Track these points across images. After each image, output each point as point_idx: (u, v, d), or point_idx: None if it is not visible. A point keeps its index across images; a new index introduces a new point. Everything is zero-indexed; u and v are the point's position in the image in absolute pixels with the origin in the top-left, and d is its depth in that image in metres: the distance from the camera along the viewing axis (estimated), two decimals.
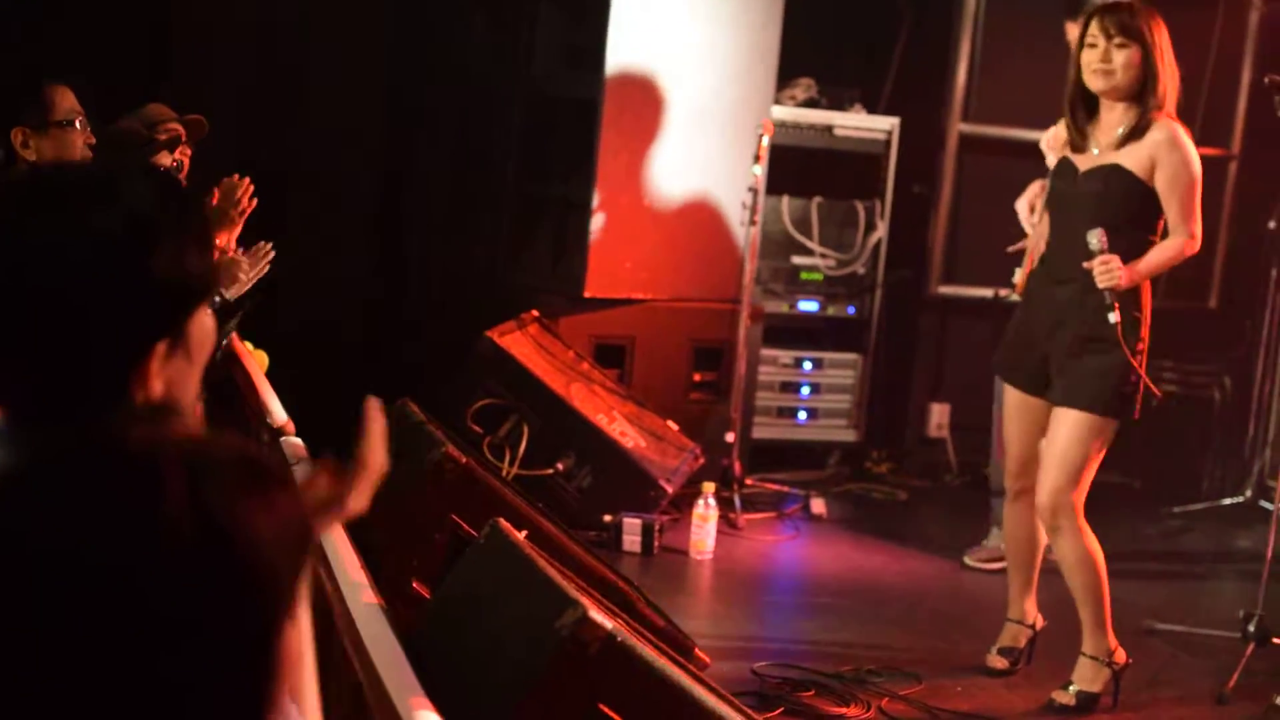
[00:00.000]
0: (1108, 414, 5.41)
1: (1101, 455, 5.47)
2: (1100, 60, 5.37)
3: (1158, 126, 5.35)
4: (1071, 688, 5.53)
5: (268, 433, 4.76)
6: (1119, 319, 5.25)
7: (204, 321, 1.94)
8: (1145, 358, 5.41)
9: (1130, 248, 5.35)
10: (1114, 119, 5.43)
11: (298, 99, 8.35)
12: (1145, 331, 5.41)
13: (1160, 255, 5.36)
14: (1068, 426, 5.43)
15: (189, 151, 5.60)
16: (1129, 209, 5.38)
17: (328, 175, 8.28)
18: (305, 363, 6.73)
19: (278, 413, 4.89)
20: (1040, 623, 5.82)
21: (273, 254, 5.39)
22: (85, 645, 1.32)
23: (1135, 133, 5.37)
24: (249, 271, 5.32)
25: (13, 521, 1.37)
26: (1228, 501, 8.39)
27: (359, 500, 2.64)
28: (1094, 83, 5.40)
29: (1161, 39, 5.38)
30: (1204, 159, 7.08)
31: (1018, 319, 5.77)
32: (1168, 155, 5.34)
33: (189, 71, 7.75)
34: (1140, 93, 5.38)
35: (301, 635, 1.48)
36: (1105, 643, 5.54)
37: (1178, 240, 5.35)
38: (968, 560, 7.14)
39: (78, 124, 4.76)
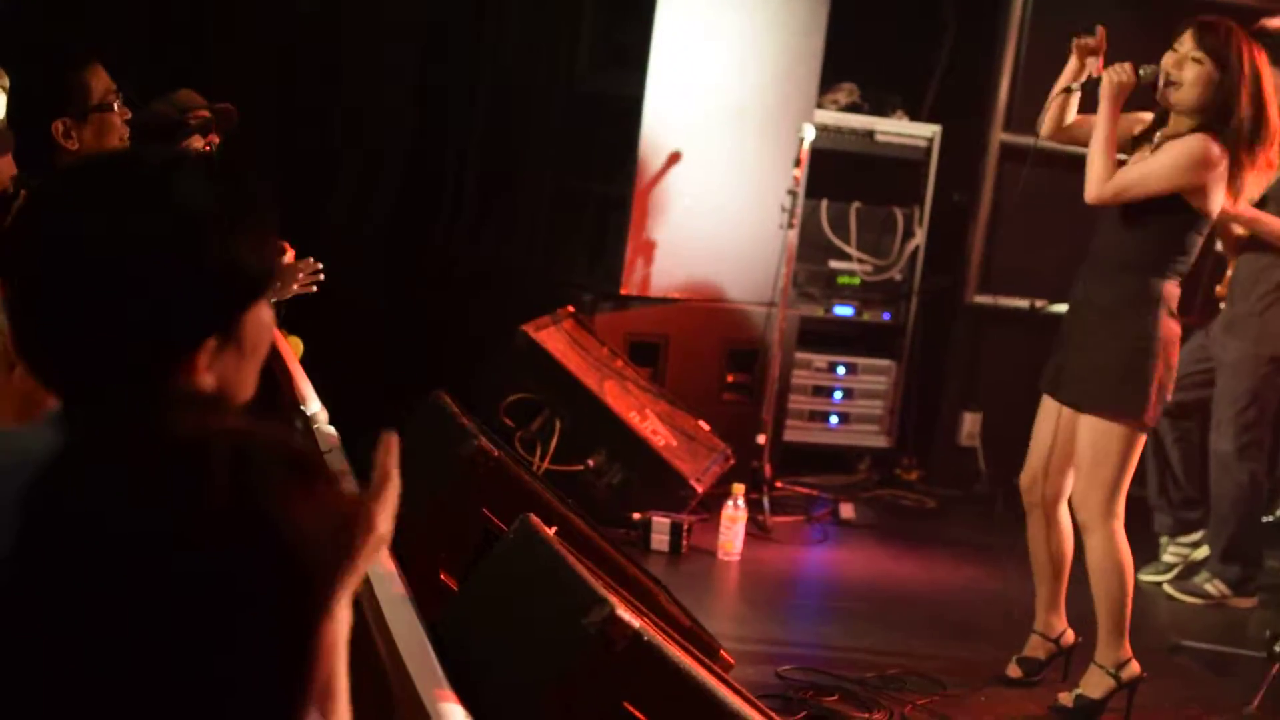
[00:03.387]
0: (1110, 411, 5.36)
1: (1128, 462, 5.41)
2: (1172, 66, 5.29)
3: (1190, 137, 5.25)
4: (1075, 691, 5.54)
5: (301, 420, 4.77)
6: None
7: (261, 317, 1.92)
8: (1150, 361, 5.34)
9: (1151, 252, 5.33)
10: (1173, 127, 5.36)
11: (334, 89, 8.38)
12: (1154, 332, 5.34)
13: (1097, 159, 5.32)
14: (1085, 433, 5.43)
15: (217, 140, 5.57)
16: (1153, 216, 5.31)
17: (365, 165, 8.31)
18: (340, 350, 6.75)
19: (312, 400, 4.90)
20: (1070, 638, 5.78)
21: (321, 276, 5.35)
22: (126, 629, 1.34)
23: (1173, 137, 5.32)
24: (299, 282, 5.32)
25: (59, 505, 1.38)
26: (1265, 519, 8.35)
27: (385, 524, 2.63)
28: (1161, 93, 5.34)
29: (1249, 68, 5.24)
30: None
31: (1060, 329, 5.74)
32: (1173, 142, 5.29)
33: (223, 60, 7.77)
34: (1204, 111, 5.27)
35: (342, 631, 1.48)
36: (1118, 654, 5.51)
37: (1099, 180, 5.31)
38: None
39: (116, 105, 4.59)
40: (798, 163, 7.70)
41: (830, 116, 8.55)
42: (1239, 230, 6.99)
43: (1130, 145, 5.50)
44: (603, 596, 3.43)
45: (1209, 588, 7.12)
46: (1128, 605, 5.49)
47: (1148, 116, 5.52)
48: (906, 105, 8.92)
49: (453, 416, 4.93)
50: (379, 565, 3.59)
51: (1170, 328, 5.38)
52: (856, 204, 8.69)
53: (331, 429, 4.71)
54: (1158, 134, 5.41)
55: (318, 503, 1.43)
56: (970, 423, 9.02)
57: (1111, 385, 5.36)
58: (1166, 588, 7.24)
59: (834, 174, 8.49)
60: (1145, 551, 7.48)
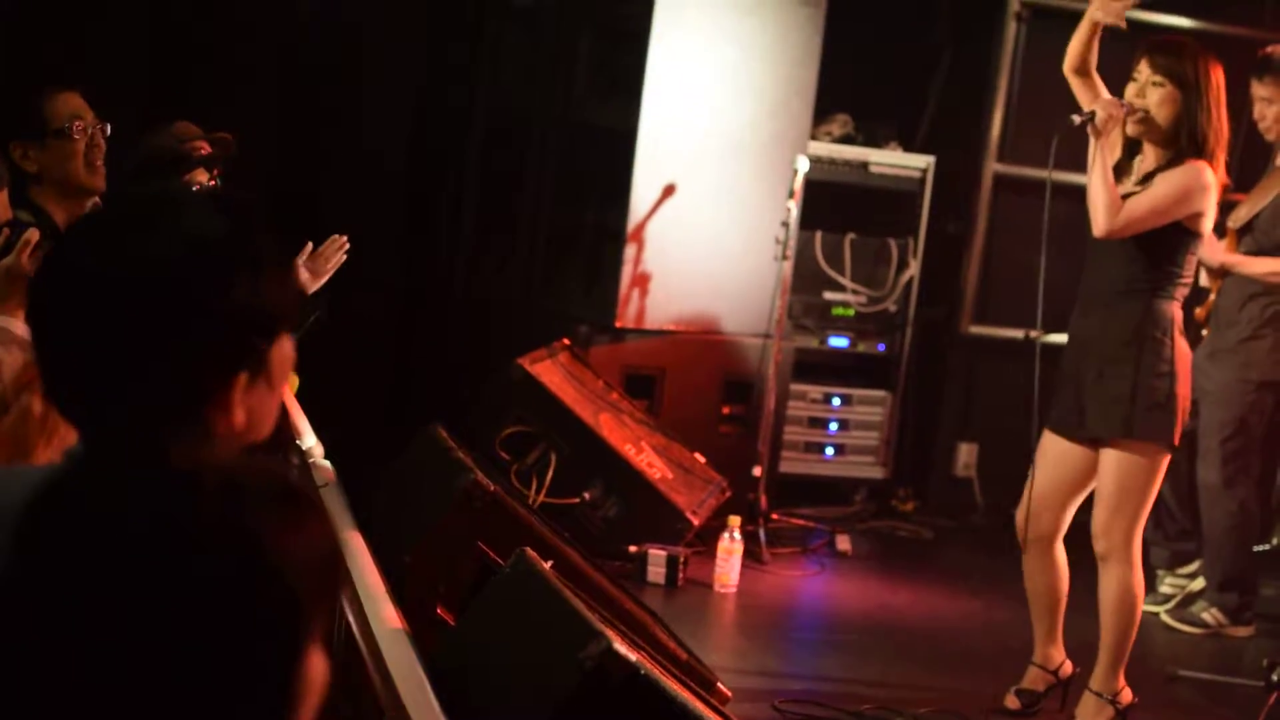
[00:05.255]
0: (1142, 436, 5.36)
1: (1152, 489, 5.43)
2: (1134, 96, 5.35)
3: (1185, 166, 5.30)
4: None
5: (297, 455, 4.77)
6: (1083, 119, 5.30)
7: (285, 349, 1.93)
8: (1174, 385, 5.36)
9: (1155, 278, 5.36)
10: (1151, 158, 5.41)
11: (328, 121, 8.40)
12: (1171, 355, 5.36)
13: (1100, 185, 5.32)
14: (1110, 463, 5.42)
15: (218, 171, 5.58)
16: (1151, 241, 5.35)
17: (358, 197, 8.31)
18: (337, 383, 6.75)
19: (307, 435, 4.90)
20: (1068, 669, 5.77)
21: (347, 244, 5.44)
22: (108, 659, 1.34)
23: (1159, 172, 5.35)
24: (331, 261, 5.41)
25: (47, 531, 1.39)
26: (1255, 549, 8.34)
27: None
28: (1129, 124, 5.38)
29: (1207, 83, 5.30)
30: (1235, 205, 7.11)
31: (1061, 365, 5.74)
32: (1169, 172, 5.32)
33: (218, 92, 7.78)
34: (1175, 135, 5.34)
35: (324, 665, 1.49)
36: (1115, 684, 5.54)
37: (1109, 213, 5.31)
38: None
39: (76, 131, 4.60)
40: (792, 194, 7.71)
41: (824, 148, 8.57)
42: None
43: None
44: (599, 630, 3.43)
45: (1206, 617, 7.12)
46: (1133, 636, 5.52)
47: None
48: (900, 136, 8.93)
49: (448, 450, 4.94)
50: (375, 599, 3.59)
51: (1184, 349, 5.43)
52: (851, 235, 8.70)
53: (327, 463, 4.71)
54: (1134, 162, 5.47)
55: (305, 535, 1.45)
56: (966, 453, 9.02)
57: (1140, 412, 5.36)
58: (1164, 617, 7.23)
59: (828, 205, 8.50)
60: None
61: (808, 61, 8.07)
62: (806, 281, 8.57)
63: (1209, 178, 5.27)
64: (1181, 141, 5.32)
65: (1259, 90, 6.89)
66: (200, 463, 1.44)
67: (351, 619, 3.52)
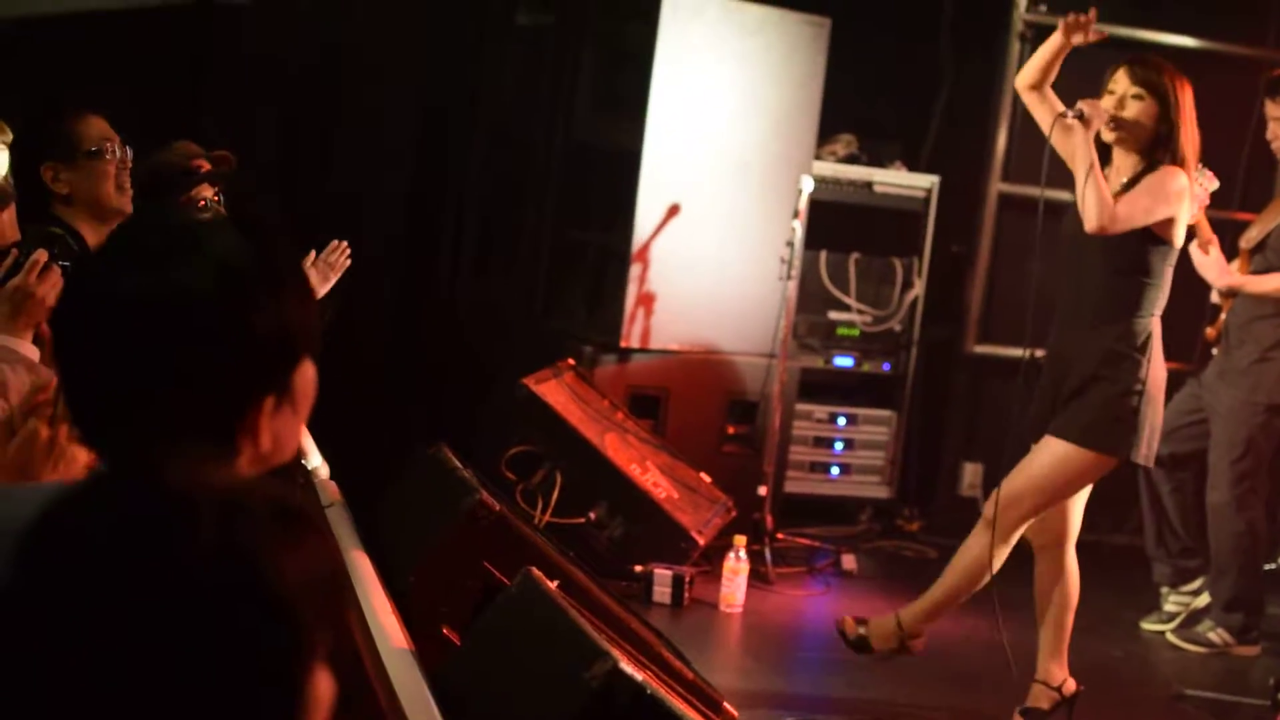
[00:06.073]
0: (1092, 446, 5.44)
1: (1070, 490, 5.55)
2: (1115, 108, 5.45)
3: (1163, 170, 5.41)
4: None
5: (301, 474, 4.76)
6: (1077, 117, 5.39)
7: (308, 373, 1.94)
8: (1143, 403, 5.41)
9: (1131, 293, 5.44)
10: (1125, 167, 5.51)
11: (330, 138, 8.40)
12: (1145, 375, 5.42)
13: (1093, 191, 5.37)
14: (1045, 451, 5.52)
15: (219, 188, 5.59)
16: (1127, 253, 5.43)
17: (360, 216, 8.31)
18: (341, 402, 6.74)
19: (312, 454, 4.90)
20: (1072, 686, 5.76)
21: (349, 249, 5.50)
22: (106, 682, 1.34)
23: (1137, 179, 5.44)
24: (335, 268, 5.53)
25: (46, 551, 1.39)
26: (1265, 567, 8.34)
27: None
28: (1105, 132, 5.47)
29: (1183, 97, 5.42)
30: (1243, 224, 7.12)
31: (1040, 380, 5.79)
32: (1150, 176, 5.42)
33: (221, 109, 7.79)
34: (1152, 147, 5.44)
35: (331, 685, 1.48)
36: (920, 626, 5.83)
37: (1101, 208, 5.37)
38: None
39: (108, 152, 4.62)
40: (796, 214, 7.71)
41: (828, 168, 8.58)
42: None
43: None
44: (605, 650, 3.42)
45: (1212, 636, 7.10)
46: (962, 598, 5.79)
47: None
48: (904, 156, 8.94)
49: (453, 470, 4.93)
50: (381, 619, 3.59)
51: (1159, 370, 5.49)
52: (855, 255, 8.71)
53: (332, 483, 4.71)
54: (1106, 171, 5.52)
55: (305, 556, 1.44)
56: (971, 473, 9.01)
57: (1101, 424, 5.44)
58: (1170, 636, 7.22)
59: (833, 225, 8.51)
60: (1145, 601, 7.47)
61: (812, 81, 8.08)
62: (811, 301, 8.58)
63: (1184, 184, 5.40)
64: (1158, 152, 5.44)
65: (1272, 110, 6.89)
66: (199, 484, 1.43)
67: (357, 638, 3.51)
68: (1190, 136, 5.44)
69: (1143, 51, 5.77)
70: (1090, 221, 5.37)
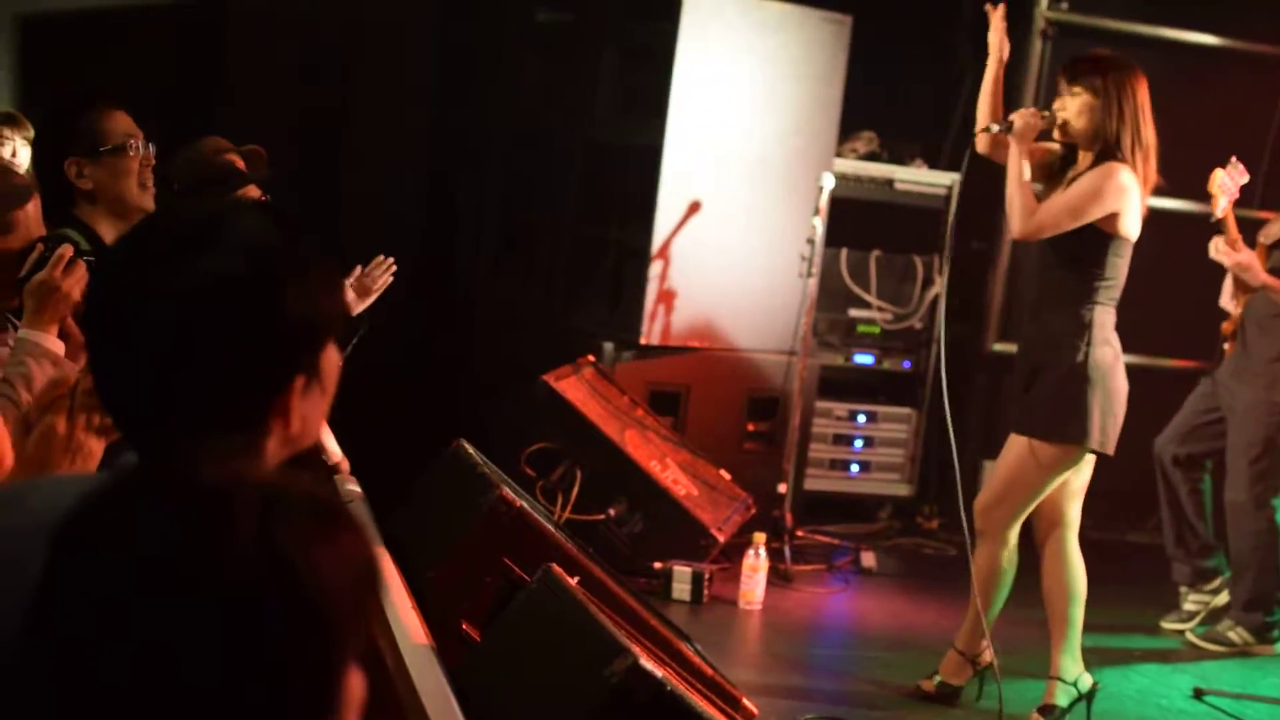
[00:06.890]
0: (1045, 437, 5.55)
1: (1044, 485, 5.62)
2: (1058, 106, 5.58)
3: (1100, 167, 5.48)
4: (936, 678, 5.94)
5: (323, 471, 4.77)
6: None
7: (332, 356, 1.95)
8: (1092, 391, 5.48)
9: (1078, 285, 5.53)
10: (1081, 162, 5.60)
11: (345, 137, 8.41)
12: (1095, 362, 5.50)
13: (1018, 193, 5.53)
14: (1012, 451, 5.68)
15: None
16: (1072, 247, 5.53)
17: (378, 214, 8.32)
18: (362, 399, 6.75)
19: (333, 451, 4.91)
20: (1088, 682, 5.77)
21: (394, 266, 5.55)
22: (140, 668, 1.34)
23: (1081, 174, 5.54)
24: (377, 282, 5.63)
25: (81, 546, 1.39)
26: None
27: None
28: (1056, 133, 5.62)
29: (1125, 92, 5.48)
30: (1264, 222, 7.10)
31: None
32: (1086, 174, 5.50)
33: (235, 110, 7.79)
34: (1094, 139, 5.53)
35: (362, 682, 1.49)
36: (977, 645, 5.85)
37: (1024, 215, 5.53)
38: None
39: (132, 148, 4.53)
40: (817, 211, 7.71)
41: (849, 165, 8.57)
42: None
43: (1044, 187, 5.73)
44: (625, 646, 3.43)
45: (1232, 635, 7.09)
46: (997, 604, 5.84)
47: (1056, 146, 5.77)
48: (925, 153, 8.93)
49: (474, 466, 4.94)
50: (401, 615, 3.59)
51: (1105, 356, 5.54)
52: (876, 252, 8.71)
53: (354, 481, 4.72)
54: (1069, 173, 5.63)
55: (342, 552, 1.44)
56: (990, 471, 8.98)
57: (1057, 416, 5.53)
58: (1189, 635, 7.21)
59: (853, 222, 8.51)
60: (1165, 601, 7.45)
61: (833, 79, 8.08)
62: (832, 299, 8.58)
63: (1125, 178, 5.45)
64: (1106, 148, 5.50)
65: None
66: (236, 478, 1.44)
67: (378, 634, 3.52)
68: (1135, 130, 5.48)
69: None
70: (1014, 229, 5.60)
